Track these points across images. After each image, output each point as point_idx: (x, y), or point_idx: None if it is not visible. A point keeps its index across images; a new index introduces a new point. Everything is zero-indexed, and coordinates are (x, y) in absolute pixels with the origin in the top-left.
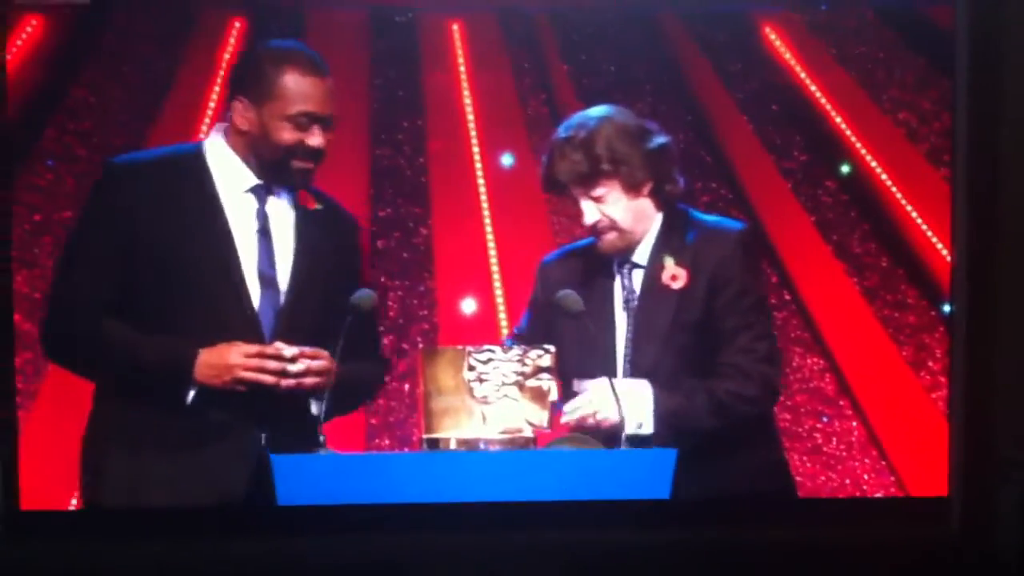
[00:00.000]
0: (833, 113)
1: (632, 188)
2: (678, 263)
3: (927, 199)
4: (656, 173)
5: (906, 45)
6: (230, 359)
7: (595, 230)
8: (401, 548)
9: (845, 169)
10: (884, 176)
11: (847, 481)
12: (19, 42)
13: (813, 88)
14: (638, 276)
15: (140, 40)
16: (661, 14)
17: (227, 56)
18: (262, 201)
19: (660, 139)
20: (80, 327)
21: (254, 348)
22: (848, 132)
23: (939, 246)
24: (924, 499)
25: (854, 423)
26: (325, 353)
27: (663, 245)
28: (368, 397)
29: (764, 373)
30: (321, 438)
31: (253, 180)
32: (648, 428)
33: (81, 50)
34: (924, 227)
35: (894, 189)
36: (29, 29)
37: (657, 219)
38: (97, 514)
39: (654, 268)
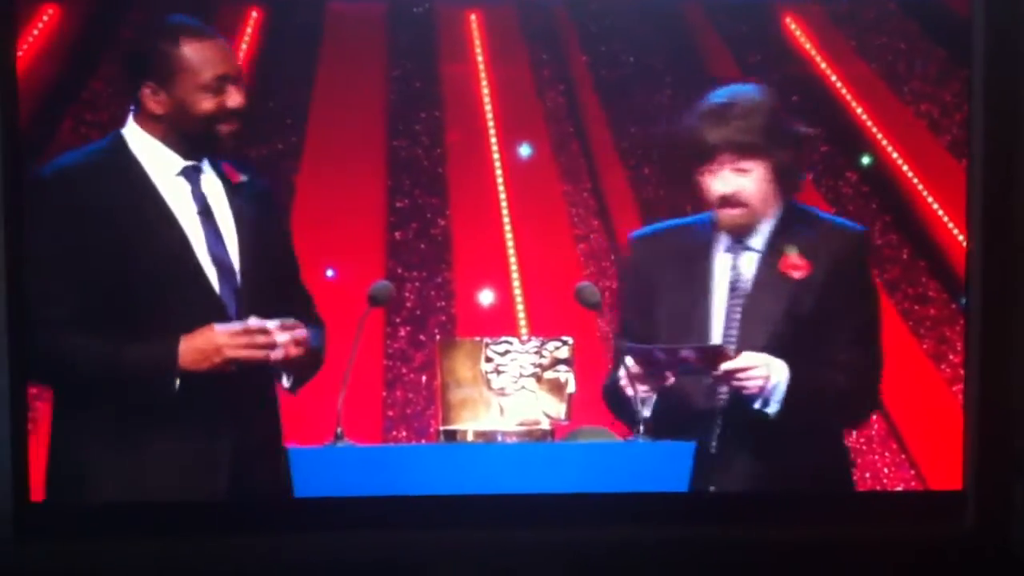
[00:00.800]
0: (854, 104)
1: (774, 169)
2: (800, 254)
3: (948, 191)
4: (794, 162)
5: (928, 36)
6: (217, 340)
7: (725, 202)
8: (406, 545)
9: (866, 160)
10: (905, 167)
11: (867, 475)
12: (35, 32)
13: (834, 79)
14: (749, 260)
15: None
16: (680, 4)
17: (244, 47)
18: (195, 182)
19: (806, 129)
20: (43, 344)
21: (237, 326)
22: (869, 123)
23: (960, 238)
24: (939, 493)
25: (874, 416)
26: (299, 323)
27: (782, 234)
28: (322, 362)
29: (874, 383)
30: (339, 430)
31: (181, 162)
32: (775, 408)
33: (98, 41)
34: (946, 219)
35: (915, 181)
36: (45, 19)
37: (776, 208)
38: (107, 509)
39: (773, 255)
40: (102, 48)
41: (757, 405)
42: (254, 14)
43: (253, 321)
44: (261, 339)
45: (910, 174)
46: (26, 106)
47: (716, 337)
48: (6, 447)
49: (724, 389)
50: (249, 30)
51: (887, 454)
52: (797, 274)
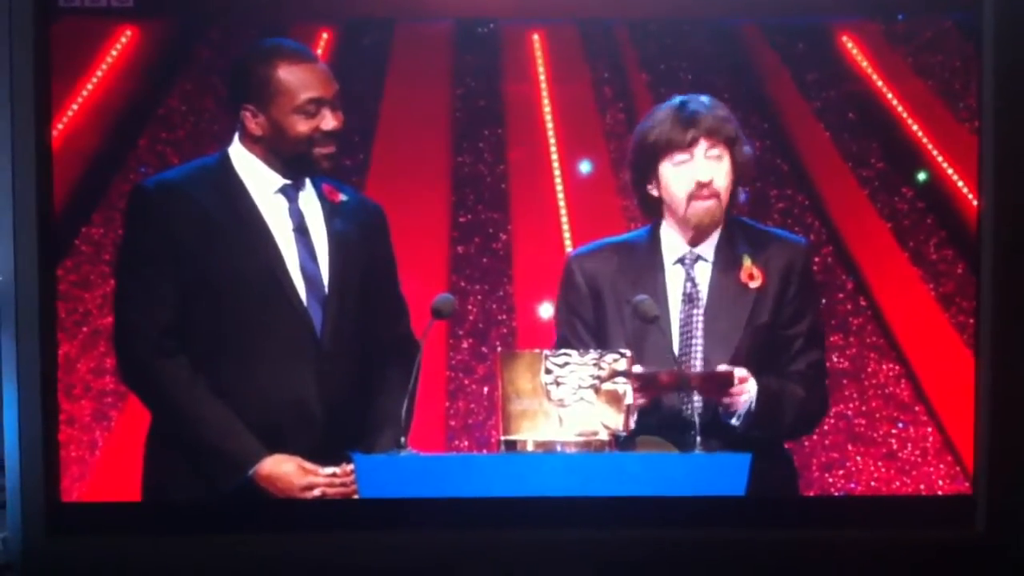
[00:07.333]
0: (910, 121)
1: (735, 166)
2: (754, 263)
3: None
4: (747, 165)
5: (983, 55)
6: (296, 483)
7: (700, 189)
8: (445, 544)
9: (921, 177)
10: (960, 184)
11: (922, 487)
12: (113, 53)
13: (890, 96)
14: (703, 271)
15: (231, 52)
16: (739, 23)
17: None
18: (292, 199)
19: (750, 149)
20: (144, 354)
21: (318, 478)
22: (925, 140)
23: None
24: (949, 497)
25: (929, 429)
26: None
27: (729, 245)
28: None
29: (825, 391)
30: (402, 439)
31: (280, 180)
32: (739, 421)
33: (174, 61)
34: None
35: (970, 196)
36: (124, 39)
37: (721, 218)
38: (136, 508)
39: (730, 264)
40: (178, 68)
41: (733, 421)
42: (324, 35)
43: (330, 471)
44: (332, 490)
45: (965, 190)
46: (105, 124)
47: (675, 348)
48: (38, 449)
49: (698, 399)
50: (319, 51)
51: (942, 466)
52: (753, 284)
